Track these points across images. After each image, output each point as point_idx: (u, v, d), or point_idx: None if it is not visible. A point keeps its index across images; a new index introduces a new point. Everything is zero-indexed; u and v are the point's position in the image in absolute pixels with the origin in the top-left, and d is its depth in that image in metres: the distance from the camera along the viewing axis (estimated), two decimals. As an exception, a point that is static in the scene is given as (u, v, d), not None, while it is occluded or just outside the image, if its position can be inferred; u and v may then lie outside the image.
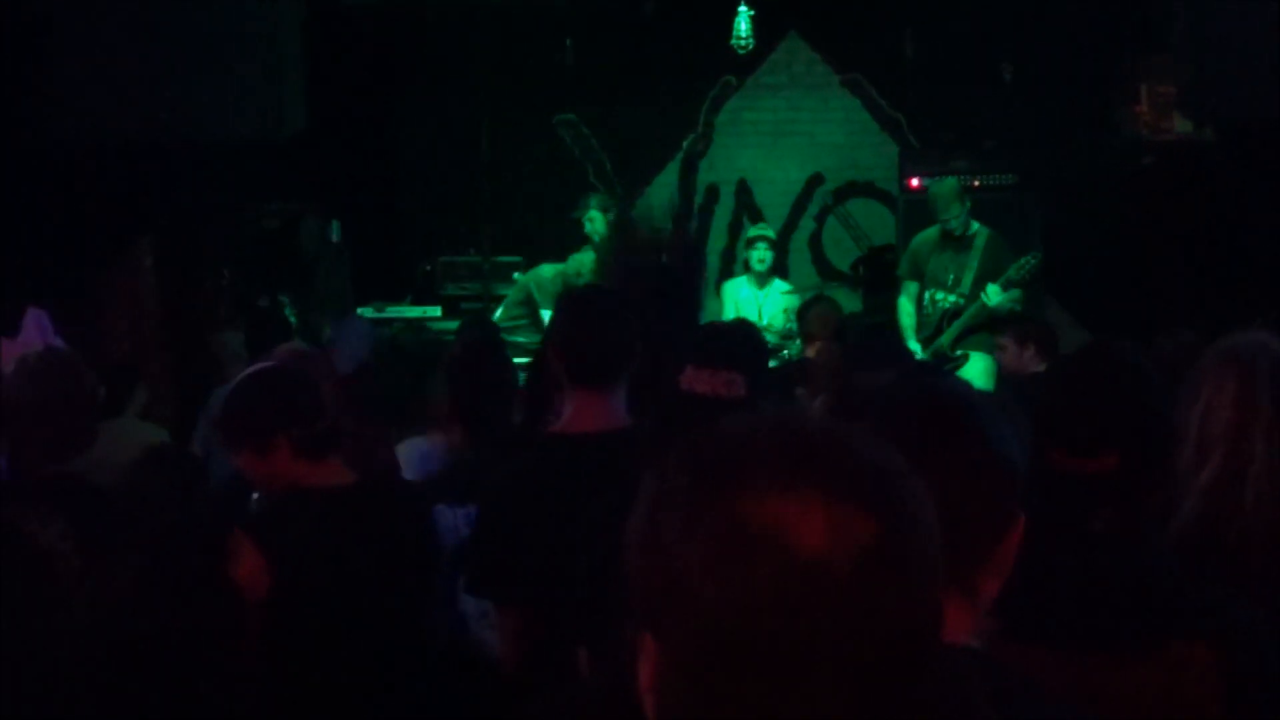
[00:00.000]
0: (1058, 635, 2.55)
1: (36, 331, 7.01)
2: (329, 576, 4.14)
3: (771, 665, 1.37)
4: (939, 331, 10.11)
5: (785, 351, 10.17)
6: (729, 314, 10.71)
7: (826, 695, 1.37)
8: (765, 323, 10.72)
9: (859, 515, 1.39)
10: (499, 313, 10.66)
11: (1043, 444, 2.79)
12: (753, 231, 11.64)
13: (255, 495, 4.53)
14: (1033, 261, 10.00)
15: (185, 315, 9.20)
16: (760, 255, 11.19)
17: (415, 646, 4.29)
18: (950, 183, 10.58)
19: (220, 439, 4.83)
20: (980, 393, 2.23)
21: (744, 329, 4.84)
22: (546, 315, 9.83)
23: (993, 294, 9.87)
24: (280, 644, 4.12)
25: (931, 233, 10.59)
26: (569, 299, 4.56)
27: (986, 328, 9.80)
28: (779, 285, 11.34)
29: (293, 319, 10.91)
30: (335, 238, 11.99)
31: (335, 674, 4.15)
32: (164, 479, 4.59)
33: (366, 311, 11.16)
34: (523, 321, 10.44)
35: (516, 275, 11.39)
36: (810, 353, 8.62)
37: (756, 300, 11.12)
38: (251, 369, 4.43)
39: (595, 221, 10.59)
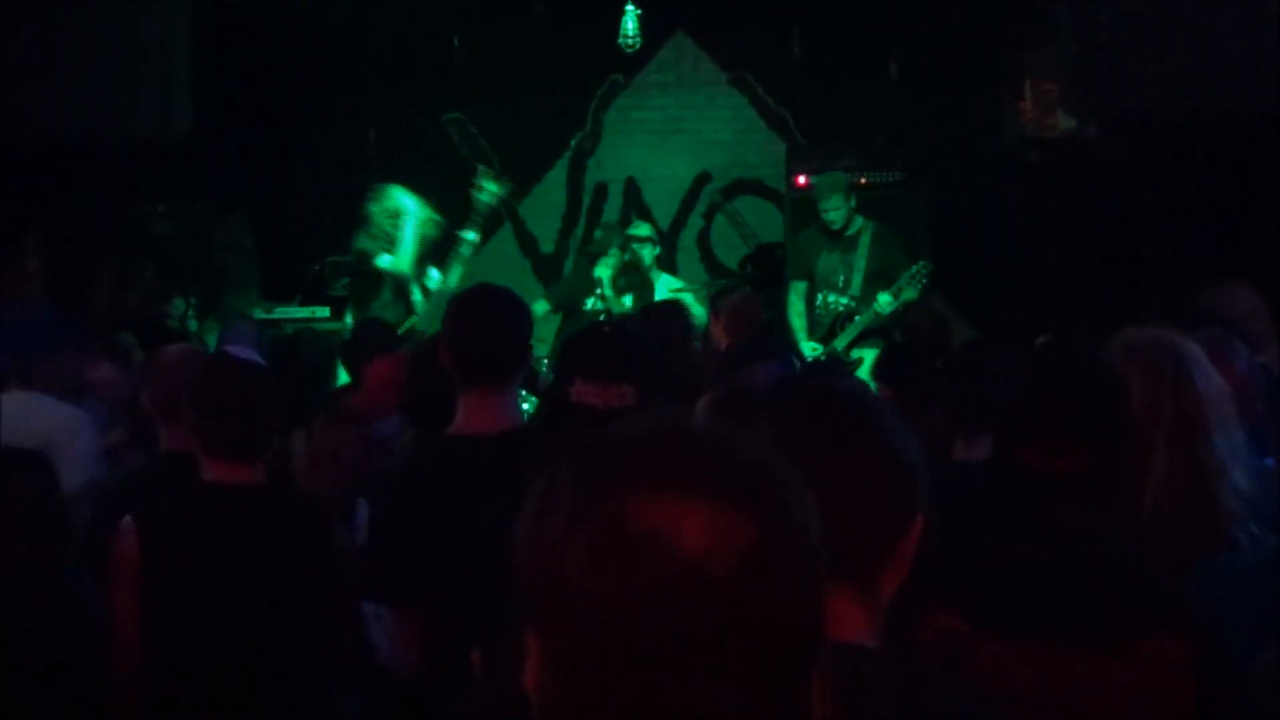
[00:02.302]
0: (1029, 631, 2.56)
1: None
2: (201, 571, 4.11)
3: (650, 665, 1.38)
4: (833, 334, 10.17)
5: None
6: (616, 310, 10.68)
7: (705, 695, 1.39)
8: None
9: (739, 518, 1.40)
10: None
11: (1011, 442, 2.81)
12: (632, 231, 11.63)
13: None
14: (924, 270, 10.09)
15: (75, 317, 9.06)
16: (639, 255, 11.17)
17: (307, 651, 4.26)
18: (836, 175, 10.65)
19: (159, 416, 4.88)
20: (877, 394, 2.24)
21: (633, 337, 4.80)
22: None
23: (884, 304, 9.95)
24: (156, 632, 4.10)
25: (816, 230, 10.64)
26: (461, 299, 4.52)
27: (879, 332, 9.90)
28: (668, 281, 11.34)
29: (193, 323, 10.78)
30: (247, 240, 11.88)
31: (210, 668, 4.12)
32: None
33: (255, 312, 11.05)
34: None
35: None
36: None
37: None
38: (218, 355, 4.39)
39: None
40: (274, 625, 4.16)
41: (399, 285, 9.98)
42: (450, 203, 11.52)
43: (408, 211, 9.94)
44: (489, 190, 10.19)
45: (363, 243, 9.94)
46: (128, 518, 4.17)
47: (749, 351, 6.41)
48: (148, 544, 4.11)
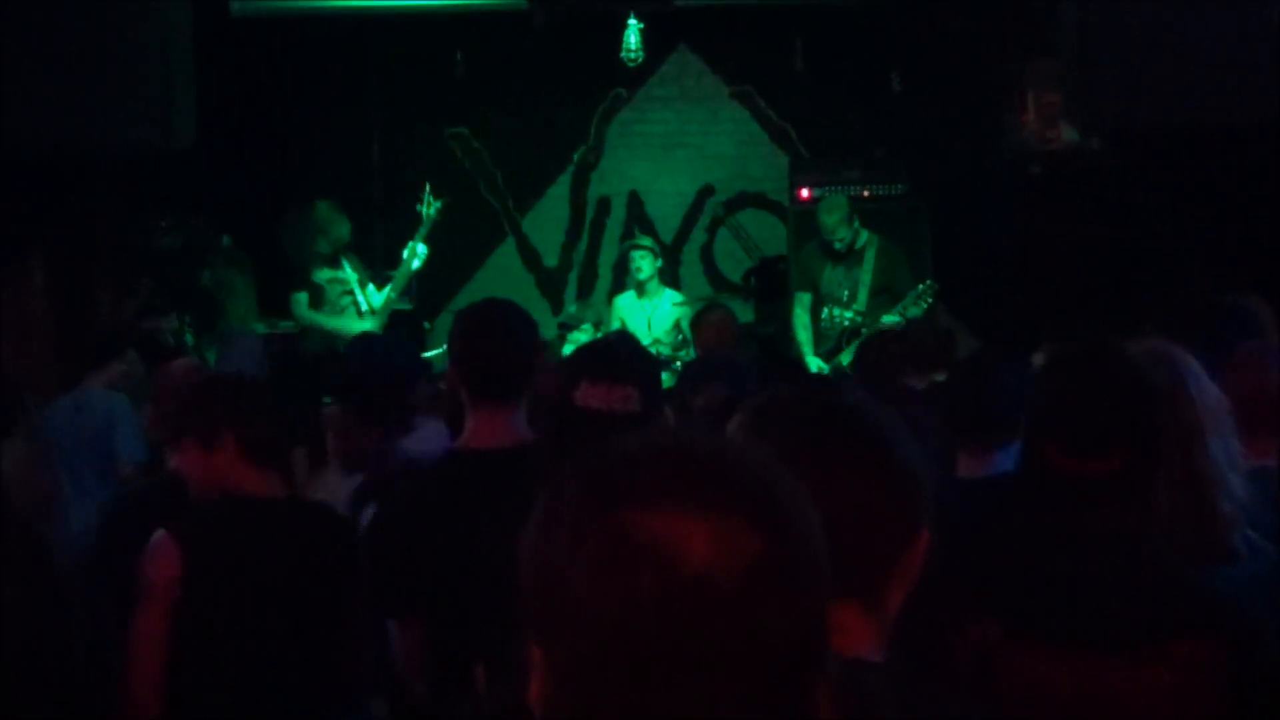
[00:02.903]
0: (1064, 637, 2.55)
1: None
2: (244, 586, 4.11)
3: (654, 677, 1.38)
4: (839, 348, 10.17)
5: (678, 364, 10.17)
6: (616, 326, 10.68)
7: (709, 707, 1.39)
8: (655, 335, 10.71)
9: (743, 531, 1.41)
10: None
11: (1042, 445, 2.80)
12: (627, 248, 11.64)
13: None
14: (930, 289, 10.11)
15: (78, 332, 9.07)
16: (638, 264, 11.17)
17: (332, 664, 4.26)
18: (839, 201, 10.65)
19: (166, 433, 4.83)
20: (885, 407, 2.24)
21: (635, 343, 4.82)
22: None
23: (890, 323, 9.96)
24: (191, 648, 4.10)
25: (817, 246, 10.66)
26: (468, 315, 4.51)
27: None
28: (670, 296, 11.33)
29: (189, 338, 10.78)
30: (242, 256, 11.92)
31: (245, 683, 4.12)
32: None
33: (258, 327, 11.05)
34: None
35: None
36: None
37: (645, 312, 11.11)
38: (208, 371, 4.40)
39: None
40: (305, 639, 4.17)
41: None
42: (457, 216, 11.56)
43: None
44: (432, 205, 10.39)
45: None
46: (163, 534, 4.14)
47: (694, 371, 6.44)
48: (189, 561, 4.10)
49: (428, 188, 10.72)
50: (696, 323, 8.72)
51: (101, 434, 7.43)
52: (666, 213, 14.07)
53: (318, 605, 4.17)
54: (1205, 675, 2.53)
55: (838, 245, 10.40)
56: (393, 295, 10.48)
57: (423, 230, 10.51)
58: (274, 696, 4.13)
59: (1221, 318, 5.69)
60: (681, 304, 11.20)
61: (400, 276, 10.51)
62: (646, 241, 11.52)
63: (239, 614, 4.10)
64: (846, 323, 10.29)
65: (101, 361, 7.96)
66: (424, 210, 10.53)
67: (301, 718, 4.18)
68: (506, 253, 14.01)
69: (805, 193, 12.02)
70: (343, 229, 10.49)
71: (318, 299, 10.42)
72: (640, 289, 11.19)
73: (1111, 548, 2.69)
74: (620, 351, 4.17)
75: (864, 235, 10.51)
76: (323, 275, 10.44)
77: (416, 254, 10.44)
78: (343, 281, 10.46)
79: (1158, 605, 2.61)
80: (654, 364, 4.44)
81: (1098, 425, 2.76)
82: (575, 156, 14.09)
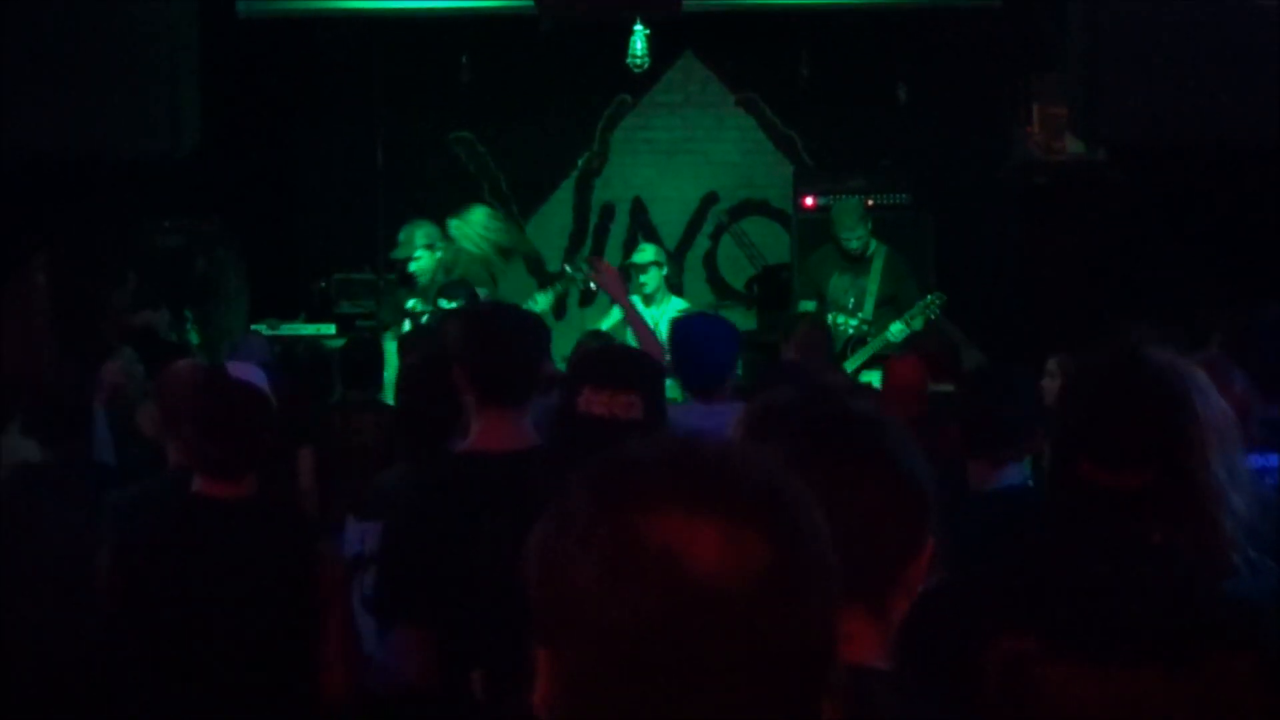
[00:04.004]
0: (1098, 650, 2.54)
1: None
2: (180, 583, 4.11)
3: (661, 683, 1.38)
4: (844, 357, 10.16)
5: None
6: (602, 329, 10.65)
7: (715, 714, 1.38)
8: (660, 341, 10.70)
9: (753, 537, 1.41)
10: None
11: (1074, 459, 2.79)
12: (635, 258, 11.61)
13: None
14: (937, 301, 10.11)
15: (80, 333, 9.07)
16: (642, 280, 11.17)
17: (288, 664, 4.24)
18: (854, 202, 10.67)
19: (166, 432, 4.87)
20: (892, 416, 2.23)
21: (637, 350, 4.84)
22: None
23: (896, 332, 9.98)
24: (127, 645, 4.10)
25: (828, 251, 10.67)
26: (476, 317, 4.53)
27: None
28: (675, 304, 11.32)
29: (195, 337, 10.79)
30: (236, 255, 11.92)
31: (183, 682, 4.11)
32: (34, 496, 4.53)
33: (260, 329, 11.06)
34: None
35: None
36: None
37: (650, 319, 11.10)
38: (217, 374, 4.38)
39: (422, 260, 10.10)
40: (253, 638, 4.15)
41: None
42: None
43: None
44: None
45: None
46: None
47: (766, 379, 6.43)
48: (122, 558, 4.12)
49: (416, 237, 10.26)
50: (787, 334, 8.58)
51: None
52: (670, 219, 14.08)
53: (263, 605, 4.15)
54: (1240, 688, 2.52)
55: (854, 245, 10.39)
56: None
57: (554, 289, 10.39)
58: (216, 692, 4.12)
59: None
60: (686, 310, 11.21)
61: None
62: (649, 255, 11.48)
63: (173, 611, 4.11)
64: (851, 330, 10.29)
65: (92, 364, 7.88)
66: (571, 272, 10.40)
67: (248, 714, 4.16)
68: (510, 258, 14.02)
69: (810, 201, 12.01)
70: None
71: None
72: (646, 299, 11.19)
73: (1144, 560, 2.68)
74: (622, 358, 4.19)
75: (872, 244, 10.52)
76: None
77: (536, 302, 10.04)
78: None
79: (1192, 618, 2.60)
80: (656, 371, 4.46)
81: (1131, 438, 2.75)
82: (580, 162, 14.10)
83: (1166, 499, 2.74)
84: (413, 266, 10.09)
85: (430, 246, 10.09)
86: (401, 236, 10.17)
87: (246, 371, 4.36)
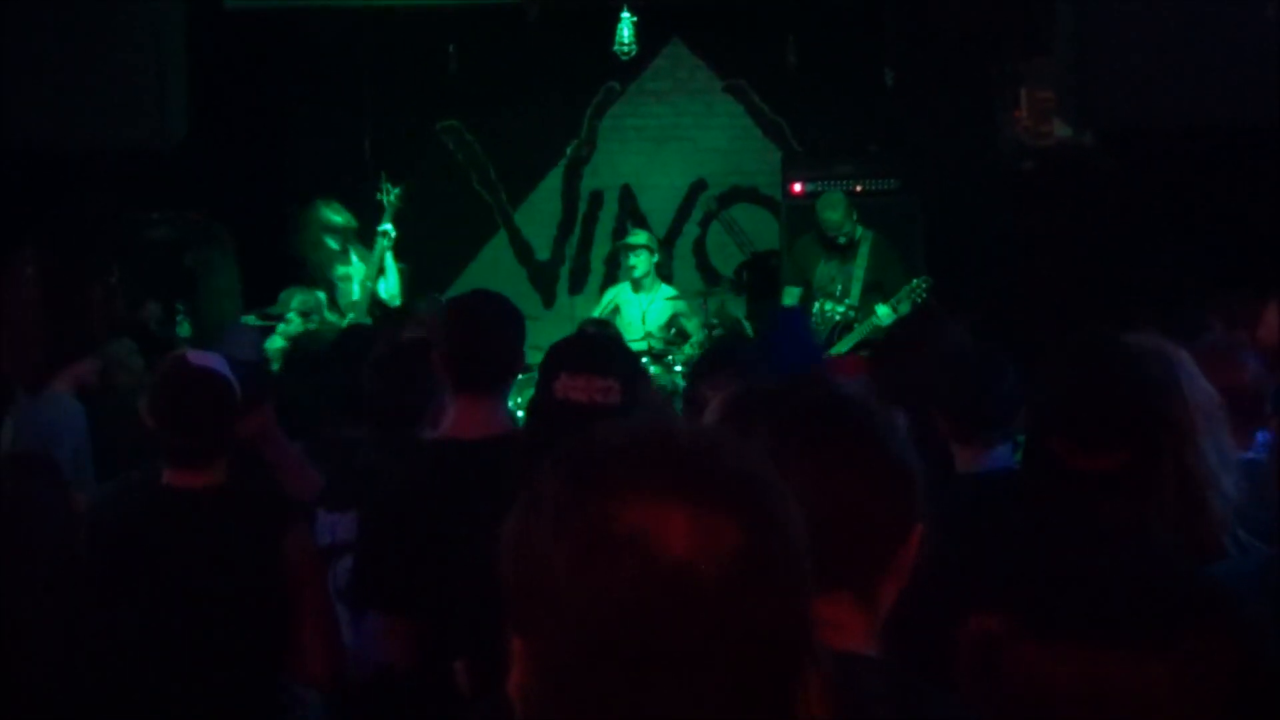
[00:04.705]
0: (1068, 631, 2.54)
1: None
2: (142, 572, 4.10)
3: (634, 667, 1.38)
4: (830, 342, 10.17)
5: (670, 357, 10.18)
6: (595, 316, 10.65)
7: (689, 698, 1.39)
8: (649, 329, 10.72)
9: (724, 522, 1.41)
10: None
11: (1049, 440, 2.80)
12: (627, 239, 11.64)
13: None
14: (923, 285, 10.12)
15: (70, 325, 9.06)
16: (633, 262, 11.18)
17: (254, 653, 4.22)
18: (837, 196, 10.66)
19: None
20: (879, 402, 2.24)
21: (614, 336, 4.85)
22: None
23: (884, 315, 10.00)
24: (96, 635, 4.09)
25: (815, 237, 10.67)
26: (456, 304, 4.55)
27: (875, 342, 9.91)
28: (665, 290, 11.33)
29: (186, 330, 10.78)
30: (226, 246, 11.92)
31: (140, 671, 4.11)
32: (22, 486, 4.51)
33: (249, 320, 11.03)
34: None
35: None
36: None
37: (640, 305, 11.11)
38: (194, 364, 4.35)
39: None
40: (223, 626, 4.14)
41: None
42: (449, 209, 11.57)
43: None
44: (393, 193, 10.51)
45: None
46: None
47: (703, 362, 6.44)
48: (92, 549, 4.12)
49: (383, 176, 10.87)
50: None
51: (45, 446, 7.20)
52: (659, 206, 14.07)
53: (227, 593, 4.14)
54: (1212, 667, 2.53)
55: (841, 240, 10.43)
56: (368, 282, 10.47)
57: (387, 215, 10.58)
58: (177, 681, 4.11)
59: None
60: (675, 298, 11.21)
61: (372, 263, 10.51)
62: (642, 239, 11.50)
63: (134, 599, 4.10)
64: (838, 317, 10.31)
65: (70, 361, 7.84)
66: (384, 199, 10.59)
67: (220, 705, 4.16)
68: (498, 246, 14.01)
69: (798, 187, 12.02)
70: (350, 221, 10.54)
71: (332, 296, 10.42)
72: (638, 284, 11.20)
73: (1118, 541, 2.69)
74: (600, 344, 4.21)
75: (859, 230, 10.53)
76: (337, 272, 10.46)
77: (389, 235, 10.49)
78: (350, 276, 10.47)
79: (1162, 599, 2.61)
80: (633, 357, 4.49)
81: (1105, 421, 2.77)
82: (568, 150, 14.08)
83: (1143, 481, 2.76)
84: (280, 328, 10.23)
85: (305, 314, 10.30)
86: (281, 296, 10.40)
87: (208, 359, 4.34)
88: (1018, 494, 3.06)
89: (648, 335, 10.56)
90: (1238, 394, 3.95)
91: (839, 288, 10.40)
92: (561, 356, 4.06)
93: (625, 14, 11.49)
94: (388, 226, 10.45)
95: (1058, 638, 2.53)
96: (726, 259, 13.90)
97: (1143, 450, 2.77)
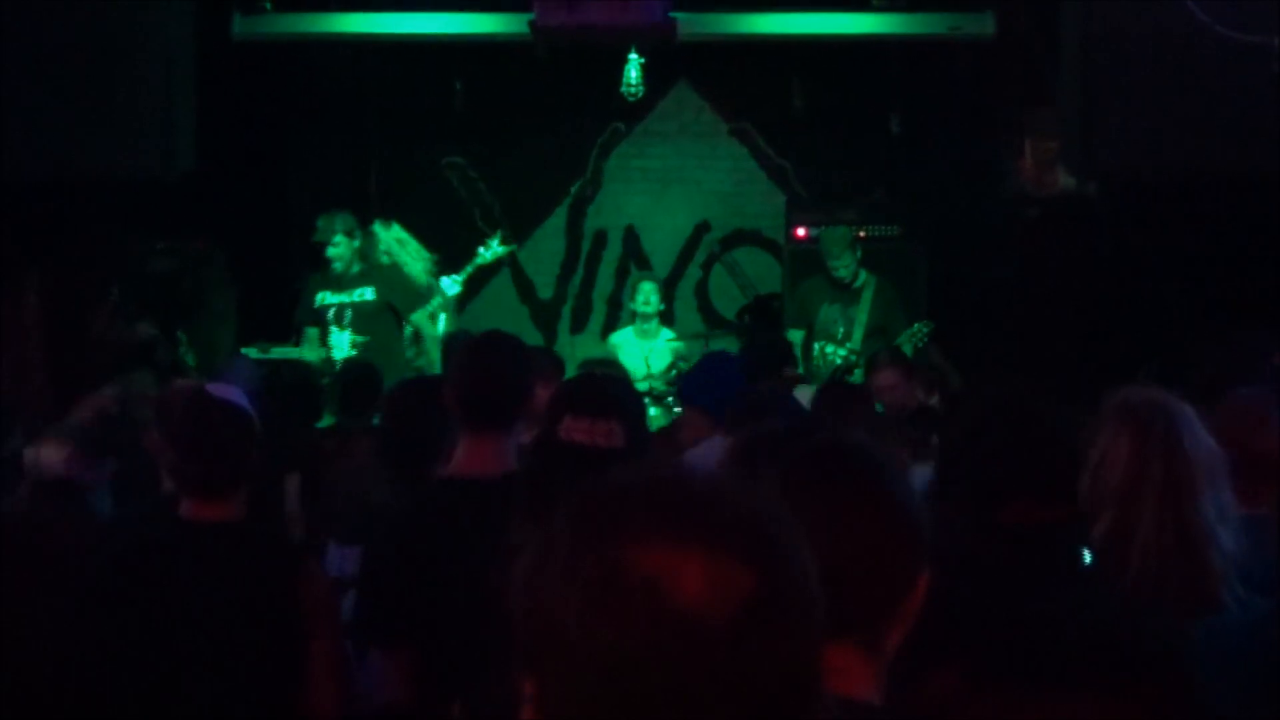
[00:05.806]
0: (1023, 682, 2.55)
1: None
2: (159, 605, 4.08)
3: (645, 713, 1.37)
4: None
5: (669, 399, 10.16)
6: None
7: None
8: (652, 372, 10.70)
9: (736, 567, 1.41)
10: None
11: (993, 494, 2.81)
12: (636, 279, 11.65)
13: None
14: (924, 330, 10.13)
15: (72, 352, 9.07)
16: (645, 298, 11.17)
17: (269, 689, 4.21)
18: (842, 231, 10.69)
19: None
20: (886, 449, 2.25)
21: (618, 378, 4.85)
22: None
23: None
24: (106, 668, 4.07)
25: (818, 281, 10.69)
26: (467, 343, 4.57)
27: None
28: (665, 333, 11.33)
29: (191, 359, 10.79)
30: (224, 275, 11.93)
31: (159, 707, 4.08)
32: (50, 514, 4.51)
33: (251, 352, 11.03)
34: None
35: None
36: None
37: (643, 351, 11.09)
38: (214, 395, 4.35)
39: (340, 246, 10.39)
40: (237, 660, 4.13)
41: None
42: (449, 247, 11.57)
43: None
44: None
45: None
46: None
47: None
48: (105, 579, 4.10)
49: (499, 235, 11.15)
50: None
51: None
52: (662, 247, 14.08)
53: (243, 628, 4.12)
54: (1168, 716, 2.54)
55: (843, 273, 10.42)
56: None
57: (468, 268, 10.78)
58: (195, 715, 4.09)
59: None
60: (674, 340, 11.21)
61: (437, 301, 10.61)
62: (653, 285, 11.51)
63: (151, 631, 4.07)
64: (840, 360, 10.30)
65: (83, 388, 7.83)
66: (483, 251, 10.67)
67: None
68: (501, 284, 13.99)
69: (801, 232, 12.02)
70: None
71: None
72: (644, 322, 11.18)
73: (1067, 593, 2.71)
74: (604, 386, 4.20)
75: (862, 275, 10.54)
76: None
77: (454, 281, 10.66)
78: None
79: (1112, 647, 2.62)
80: (638, 399, 4.47)
81: (1057, 477, 2.80)
82: (572, 189, 14.10)
83: (1082, 532, 2.79)
84: (330, 251, 10.35)
85: (349, 234, 10.37)
86: (320, 223, 10.42)
87: (228, 392, 4.34)
88: (961, 547, 3.07)
89: (648, 377, 10.55)
90: (1260, 457, 3.91)
91: (841, 331, 10.41)
92: (567, 398, 4.06)
93: (633, 55, 11.51)
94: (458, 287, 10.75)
95: (1011, 690, 2.54)
96: (729, 302, 13.90)
97: (1077, 502, 2.82)
